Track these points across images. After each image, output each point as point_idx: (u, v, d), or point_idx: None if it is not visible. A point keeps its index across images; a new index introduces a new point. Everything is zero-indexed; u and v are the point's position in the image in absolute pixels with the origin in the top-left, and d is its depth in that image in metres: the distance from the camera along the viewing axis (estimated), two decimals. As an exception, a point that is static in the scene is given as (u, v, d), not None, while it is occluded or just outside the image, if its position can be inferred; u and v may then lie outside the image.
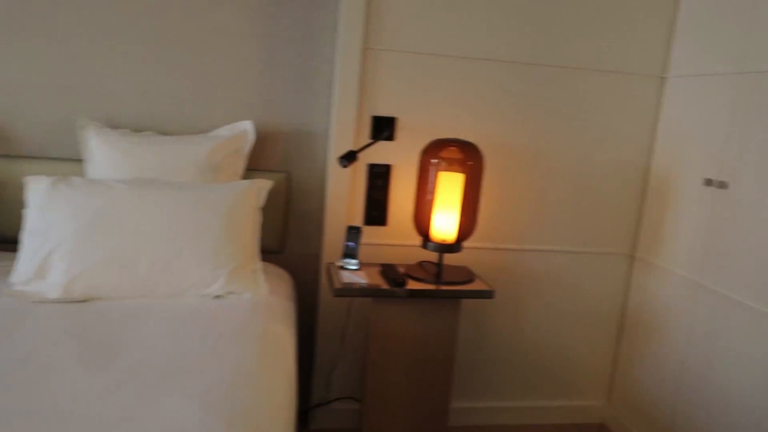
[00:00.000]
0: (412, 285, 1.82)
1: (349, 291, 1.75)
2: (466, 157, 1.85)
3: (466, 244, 2.05)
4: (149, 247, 1.62)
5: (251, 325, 1.49)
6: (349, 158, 1.83)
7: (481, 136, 2.09)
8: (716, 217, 1.90)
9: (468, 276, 1.92)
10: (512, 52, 2.06)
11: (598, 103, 2.16)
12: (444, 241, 1.86)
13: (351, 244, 1.91)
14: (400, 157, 2.06)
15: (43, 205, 1.64)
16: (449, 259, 2.07)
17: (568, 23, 2.08)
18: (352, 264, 1.90)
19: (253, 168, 2.06)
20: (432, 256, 2.00)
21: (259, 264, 1.79)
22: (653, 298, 2.18)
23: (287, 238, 2.15)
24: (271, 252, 2.10)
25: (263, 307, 1.63)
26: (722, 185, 1.88)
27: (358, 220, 2.08)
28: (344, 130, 1.99)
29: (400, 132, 2.05)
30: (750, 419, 1.72)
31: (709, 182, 1.93)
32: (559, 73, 2.10)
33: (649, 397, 2.17)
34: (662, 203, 2.16)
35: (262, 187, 1.87)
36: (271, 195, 2.02)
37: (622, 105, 2.18)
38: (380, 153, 2.05)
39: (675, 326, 2.05)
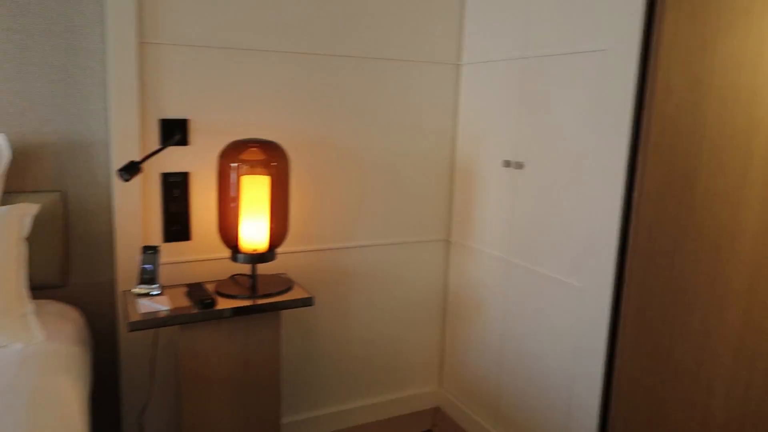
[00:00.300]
0: (224, 303, 1.64)
1: (148, 322, 1.52)
2: (270, 157, 1.71)
3: (280, 250, 1.92)
4: None
5: (18, 386, 1.21)
6: (130, 170, 1.59)
7: (286, 134, 1.97)
8: (517, 197, 1.99)
9: (286, 284, 1.80)
10: (311, 43, 1.96)
11: (402, 93, 2.15)
12: (255, 250, 1.71)
13: (148, 266, 1.67)
14: (198, 163, 1.86)
15: None
16: (265, 268, 1.93)
17: (365, 13, 2.03)
18: (151, 289, 1.67)
19: (14, 190, 1.71)
20: (245, 267, 1.84)
21: (30, 306, 1.49)
22: (470, 279, 2.25)
23: (71, 269, 1.83)
24: (51, 287, 1.77)
25: (37, 359, 1.34)
26: (519, 166, 1.97)
27: (156, 238, 1.84)
28: (126, 137, 1.73)
29: (195, 135, 1.84)
30: (562, 383, 1.83)
31: (507, 164, 2.02)
32: (361, 64, 2.05)
33: (476, 375, 2.24)
34: (468, 187, 2.23)
35: (25, 212, 1.55)
36: (44, 220, 1.70)
37: (425, 94, 2.20)
38: (175, 160, 1.83)
39: (492, 304, 2.13)
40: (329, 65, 2.00)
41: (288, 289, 1.76)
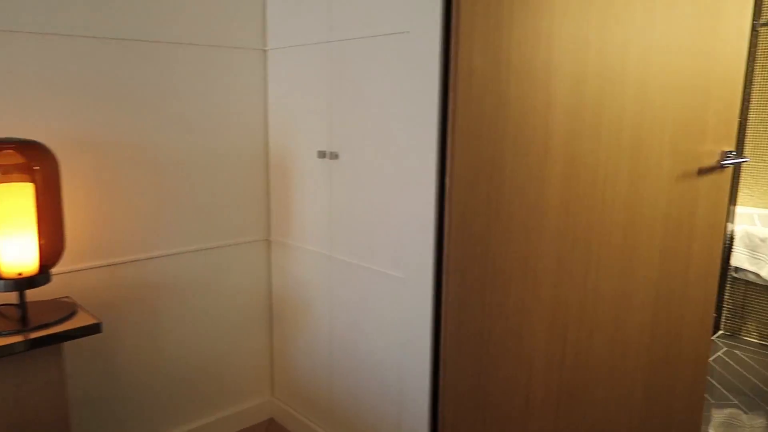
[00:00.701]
0: (-20, 344, 1.32)
1: None
2: (31, 160, 1.41)
3: (58, 269, 1.61)
4: None
5: None
6: None
7: (54, 132, 1.65)
8: (334, 189, 1.88)
9: (68, 310, 1.51)
10: (84, 24, 1.65)
11: (205, 83, 1.93)
12: (21, 274, 1.40)
13: None
14: (-64, 171, 1.48)
15: None
16: (41, 294, 1.61)
17: (145, -11, 1.77)
18: None
19: None
20: (11, 296, 1.51)
21: None
22: (294, 279, 2.11)
23: None
24: None
25: None
26: (334, 156, 1.86)
27: None
28: None
29: (-71, 136, 1.47)
30: (393, 377, 1.77)
31: (322, 155, 1.90)
32: (151, 50, 1.79)
33: (308, 379, 2.11)
34: (284, 182, 2.08)
35: None
36: None
37: (231, 82, 2.00)
38: None
39: (318, 303, 2.02)
40: (110, 51, 1.71)
41: (70, 316, 1.48)
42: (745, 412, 2.53)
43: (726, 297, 3.33)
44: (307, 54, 1.90)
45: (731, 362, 2.99)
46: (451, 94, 1.44)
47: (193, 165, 1.95)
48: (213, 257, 2.05)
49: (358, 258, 1.82)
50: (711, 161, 1.98)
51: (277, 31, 2.02)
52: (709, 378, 2.82)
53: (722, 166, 2.00)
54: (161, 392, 1.99)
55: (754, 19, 3.10)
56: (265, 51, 2.07)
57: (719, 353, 3.10)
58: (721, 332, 3.37)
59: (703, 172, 1.96)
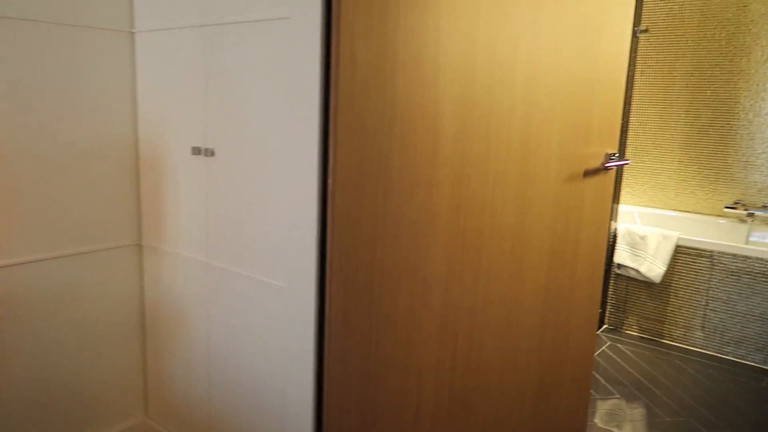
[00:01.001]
0: None
1: None
2: None
3: None
4: None
5: None
6: None
7: None
8: (210, 189, 1.71)
9: None
10: None
11: (61, 68, 1.68)
12: None
13: None
14: None
15: None
16: None
17: (-23, -47, 1.50)
18: None
19: None
20: None
21: None
22: (168, 288, 1.91)
23: None
24: None
25: None
26: (210, 153, 1.69)
27: None
28: None
29: None
30: (274, 392, 1.63)
31: (197, 151, 1.72)
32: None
33: (185, 396, 1.93)
34: (156, 180, 1.87)
35: None
36: None
37: (94, 68, 1.76)
38: None
39: (195, 315, 1.83)
40: (-71, 22, 1.44)
41: None
42: (627, 403, 2.63)
43: (609, 293, 3.48)
44: (180, 38, 1.71)
45: (614, 356, 3.12)
46: (332, 89, 1.33)
47: (46, 160, 1.70)
48: (74, 265, 1.81)
49: (238, 265, 1.66)
50: (596, 163, 2.00)
51: (145, 11, 1.81)
52: (594, 373, 2.91)
53: (606, 168, 2.03)
54: (6, 422, 1.73)
55: (634, 26, 3.24)
56: (132, 33, 1.85)
57: (603, 347, 3.22)
58: (605, 327, 3.52)
59: (588, 173, 1.98)
